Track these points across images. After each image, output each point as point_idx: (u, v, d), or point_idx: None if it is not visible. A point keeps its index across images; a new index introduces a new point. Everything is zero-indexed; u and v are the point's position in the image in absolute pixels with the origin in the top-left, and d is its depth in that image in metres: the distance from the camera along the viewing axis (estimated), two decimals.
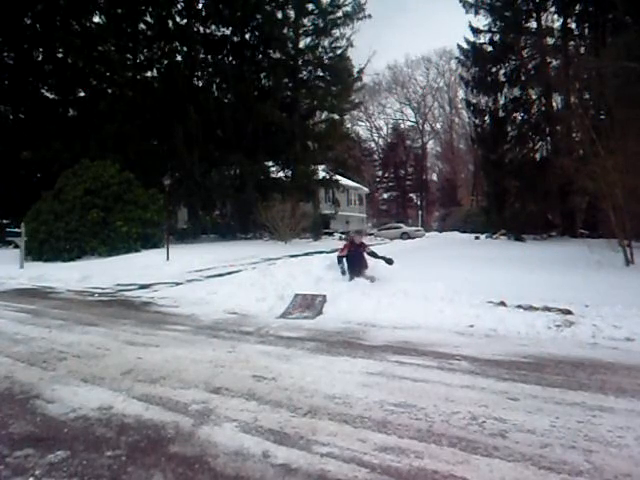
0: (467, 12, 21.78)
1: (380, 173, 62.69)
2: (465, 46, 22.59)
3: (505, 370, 3.79)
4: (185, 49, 23.70)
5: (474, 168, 44.55)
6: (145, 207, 16.81)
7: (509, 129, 21.55)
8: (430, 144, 62.83)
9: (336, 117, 27.44)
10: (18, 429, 2.79)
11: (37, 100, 23.06)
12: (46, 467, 2.34)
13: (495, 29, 21.86)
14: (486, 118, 22.38)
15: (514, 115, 21.59)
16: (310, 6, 25.30)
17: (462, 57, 23.26)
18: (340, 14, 25.43)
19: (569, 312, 5.47)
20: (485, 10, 21.69)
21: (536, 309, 5.71)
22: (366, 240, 8.62)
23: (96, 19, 23.10)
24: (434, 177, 64.90)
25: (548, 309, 5.66)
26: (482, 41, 22.27)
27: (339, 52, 26.00)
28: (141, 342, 4.93)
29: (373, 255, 8.02)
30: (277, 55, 24.99)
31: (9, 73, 22.92)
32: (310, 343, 4.81)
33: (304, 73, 26.32)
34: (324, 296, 6.55)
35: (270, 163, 26.35)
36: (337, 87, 25.90)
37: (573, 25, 20.36)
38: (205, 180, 22.27)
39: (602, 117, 13.57)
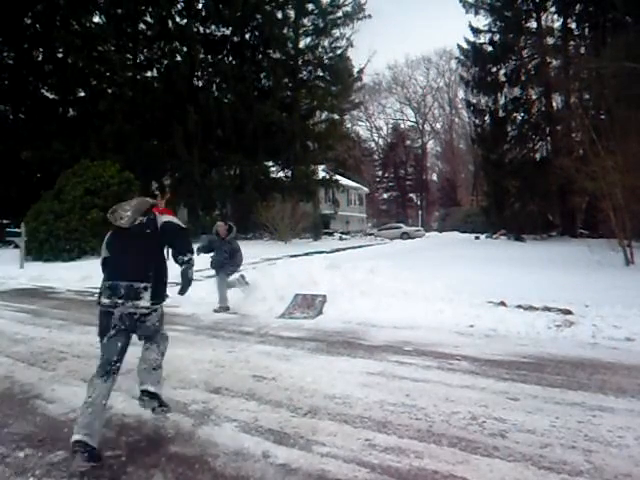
0: (467, 12, 21.85)
1: (380, 173, 62.64)
2: (465, 46, 22.61)
3: (505, 370, 3.78)
4: (185, 49, 23.68)
5: (474, 168, 44.50)
6: None
7: (509, 129, 21.56)
8: (430, 144, 62.87)
9: (336, 117, 27.48)
10: (18, 429, 2.78)
11: (37, 100, 23.04)
12: (46, 467, 2.33)
13: (495, 29, 21.88)
14: (486, 118, 22.39)
15: (514, 115, 21.59)
16: (310, 6, 25.34)
17: (462, 57, 23.29)
18: (340, 14, 25.51)
19: (569, 312, 5.47)
20: (485, 10, 21.72)
21: (536, 309, 5.71)
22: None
23: (96, 19, 23.13)
24: (434, 177, 64.89)
25: (548, 309, 5.66)
26: (482, 41, 22.31)
27: (339, 52, 26.05)
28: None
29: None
30: (277, 55, 25.01)
31: (9, 73, 22.89)
32: (310, 343, 4.81)
33: (304, 73, 26.34)
34: (324, 296, 6.55)
35: (270, 163, 26.36)
36: (337, 87, 25.94)
37: (573, 25, 20.39)
38: (205, 180, 22.28)
39: (602, 117, 13.57)
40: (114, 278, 2.66)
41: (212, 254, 6.95)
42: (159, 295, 2.74)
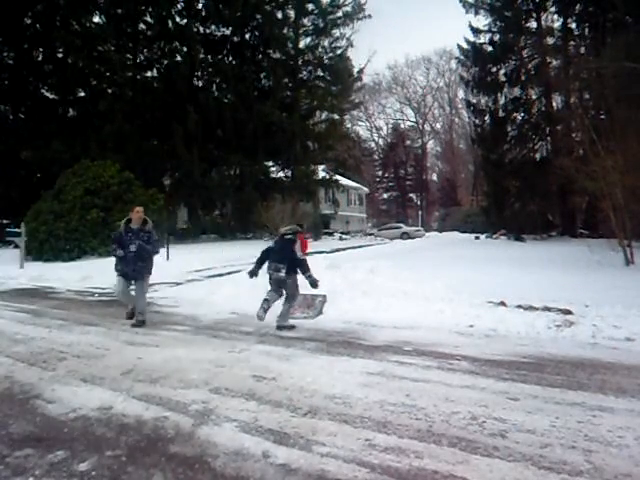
0: (467, 12, 21.88)
1: (380, 173, 62.66)
2: (465, 46, 22.63)
3: (505, 370, 3.78)
4: (185, 49, 23.70)
5: (474, 168, 44.53)
6: (145, 207, 16.77)
7: (509, 129, 21.57)
8: (430, 144, 62.89)
9: (336, 117, 27.49)
10: (18, 429, 2.78)
11: (37, 100, 23.06)
12: (46, 467, 2.33)
13: (495, 29, 21.90)
14: (486, 118, 22.40)
15: (514, 115, 21.61)
16: (310, 6, 25.36)
17: (462, 57, 23.31)
18: (340, 14, 25.53)
19: (569, 312, 5.47)
20: (485, 10, 21.74)
21: (536, 309, 5.71)
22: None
23: (96, 19, 23.16)
24: (434, 177, 64.94)
25: (548, 309, 5.65)
26: (482, 41, 22.33)
27: (339, 52, 26.07)
28: (141, 342, 4.93)
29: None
30: (277, 55, 25.02)
31: (9, 73, 22.91)
32: (310, 343, 4.81)
33: (304, 73, 26.36)
34: (324, 296, 6.55)
35: (270, 163, 26.37)
36: (337, 87, 25.95)
37: (573, 25, 20.40)
38: (205, 180, 22.28)
39: (602, 117, 13.58)
40: (272, 261, 5.48)
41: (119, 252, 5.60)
42: (290, 272, 5.44)
